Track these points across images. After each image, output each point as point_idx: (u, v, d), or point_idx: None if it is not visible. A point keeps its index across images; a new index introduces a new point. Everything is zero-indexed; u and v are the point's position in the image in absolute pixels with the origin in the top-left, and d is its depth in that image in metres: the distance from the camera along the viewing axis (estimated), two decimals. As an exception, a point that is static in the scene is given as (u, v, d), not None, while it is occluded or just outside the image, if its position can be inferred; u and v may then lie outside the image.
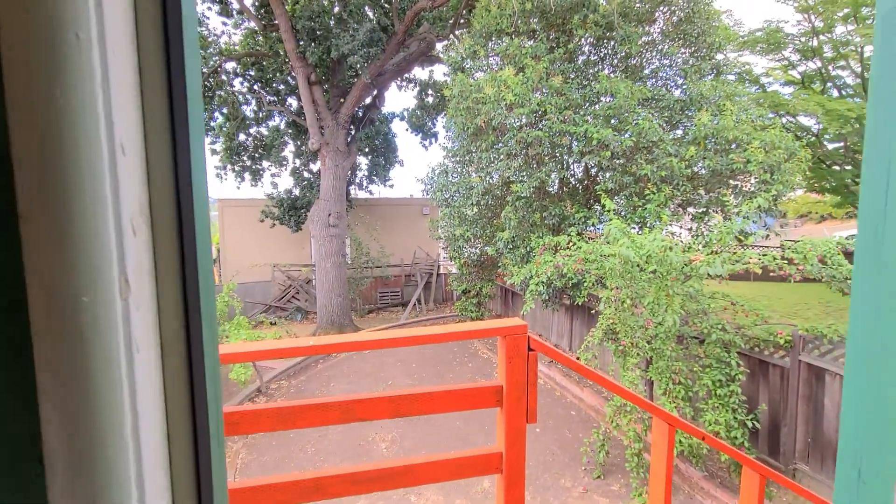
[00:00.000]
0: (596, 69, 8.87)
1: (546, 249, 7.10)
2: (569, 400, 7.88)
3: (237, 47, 14.75)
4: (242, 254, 16.64)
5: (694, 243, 5.60)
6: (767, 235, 7.51)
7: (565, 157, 8.30)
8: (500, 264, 11.10)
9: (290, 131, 15.94)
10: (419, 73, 17.87)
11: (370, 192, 18.17)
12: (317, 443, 6.81)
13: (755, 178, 6.93)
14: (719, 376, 4.87)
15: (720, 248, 5.72)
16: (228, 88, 15.12)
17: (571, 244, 6.62)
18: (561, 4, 8.30)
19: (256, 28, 13.72)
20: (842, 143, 13.06)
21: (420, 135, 18.53)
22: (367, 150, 17.25)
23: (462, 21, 12.00)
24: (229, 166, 15.91)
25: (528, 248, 8.18)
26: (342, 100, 13.48)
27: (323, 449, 6.64)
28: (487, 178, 9.34)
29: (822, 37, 12.14)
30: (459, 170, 10.15)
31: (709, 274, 4.35)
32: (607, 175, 7.82)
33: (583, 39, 8.60)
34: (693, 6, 8.05)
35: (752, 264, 4.65)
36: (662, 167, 6.87)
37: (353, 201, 17.01)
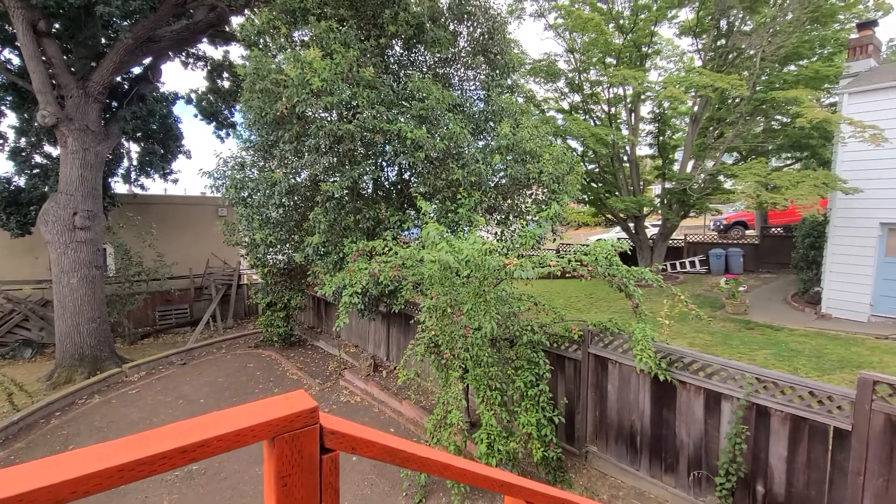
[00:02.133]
0: (408, 71, 8.70)
1: (360, 255, 6.48)
2: (388, 416, 7.42)
3: None
4: (-82, 269, 11.37)
5: (502, 247, 5.73)
6: (555, 240, 8.47)
7: (378, 156, 7.86)
8: (310, 272, 10.03)
9: (8, 98, 11.55)
10: (212, 51, 15.24)
11: (143, 188, 14.62)
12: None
13: (545, 187, 7.69)
14: (530, 377, 5.04)
15: (525, 252, 6.03)
16: None
17: (388, 249, 6.17)
18: (372, -4, 7.85)
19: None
20: (597, 165, 16.12)
21: (214, 123, 15.85)
22: (137, 134, 13.80)
23: (261, -6, 10.51)
24: None
25: (340, 254, 7.43)
26: (94, 63, 10.35)
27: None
28: (293, 175, 8.23)
29: (582, 75, 14.74)
30: (260, 164, 8.73)
31: (521, 277, 4.38)
32: (420, 178, 7.67)
33: (395, 39, 8.33)
34: (492, 24, 8.57)
35: (553, 267, 4.92)
36: (472, 173, 7.02)
37: (117, 198, 13.39)
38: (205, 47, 14.80)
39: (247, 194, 8.41)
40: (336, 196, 7.15)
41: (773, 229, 18.35)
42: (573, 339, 5.58)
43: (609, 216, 16.79)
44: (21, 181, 11.71)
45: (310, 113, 7.29)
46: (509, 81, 9.08)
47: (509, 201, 8.36)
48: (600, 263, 4.72)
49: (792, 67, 13.44)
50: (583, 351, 5.56)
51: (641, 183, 16.20)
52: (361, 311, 8.10)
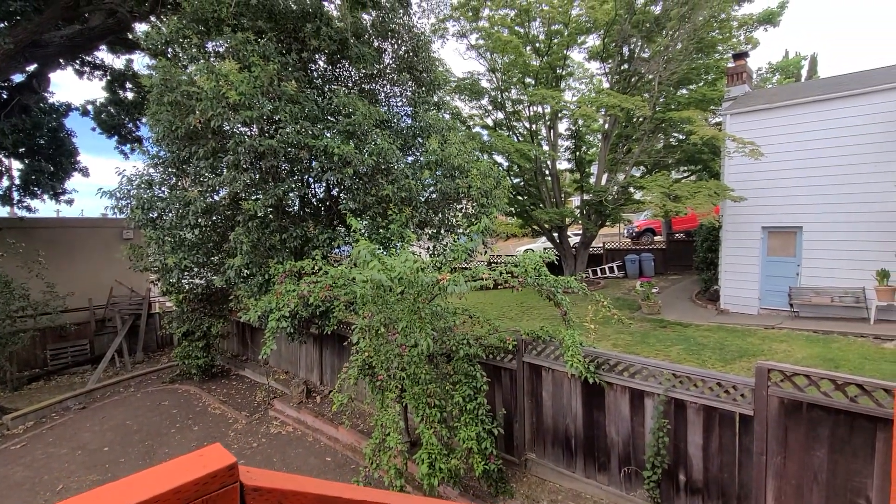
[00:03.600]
0: (333, 86, 8.56)
1: (288, 276, 6.17)
2: (323, 444, 7.06)
3: None
4: None
5: (434, 262, 5.76)
6: (486, 252, 8.68)
7: (304, 173, 7.60)
8: (232, 297, 9.36)
9: None
10: (112, 60, 13.89)
11: (29, 210, 12.88)
12: None
13: (475, 201, 7.87)
14: (468, 391, 5.05)
15: (458, 266, 6.10)
16: None
17: (318, 269, 5.93)
18: (291, 8, 7.65)
19: None
20: (522, 179, 16.85)
21: (116, 138, 14.48)
22: (20, 149, 12.19)
23: (169, 0, 9.82)
24: None
25: (265, 276, 7.03)
26: (-39, 70, 9.01)
27: None
28: (210, 194, 7.69)
29: (504, 94, 15.43)
30: (171, 181, 8.05)
31: (455, 291, 4.40)
32: (349, 195, 7.50)
33: (318, 54, 8.16)
34: (416, 42, 8.71)
35: (486, 280, 5.01)
36: (402, 188, 7.01)
37: (-6, 222, 11.68)
38: (104, 55, 13.54)
39: (156, 215, 7.71)
40: (259, 215, 6.78)
41: (677, 235, 20.30)
42: (508, 350, 5.70)
43: (535, 227, 17.57)
44: None
45: (227, 127, 6.88)
46: (436, 98, 9.25)
47: (440, 216, 8.45)
48: (530, 274, 4.89)
49: (684, 91, 15.10)
50: (518, 360, 5.69)
51: (563, 195, 17.18)
52: (291, 335, 7.69)
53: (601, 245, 20.26)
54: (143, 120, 13.94)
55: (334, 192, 8.59)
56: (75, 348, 12.66)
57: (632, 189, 15.08)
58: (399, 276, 4.26)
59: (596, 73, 16.32)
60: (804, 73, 28.59)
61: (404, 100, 9.01)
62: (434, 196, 7.92)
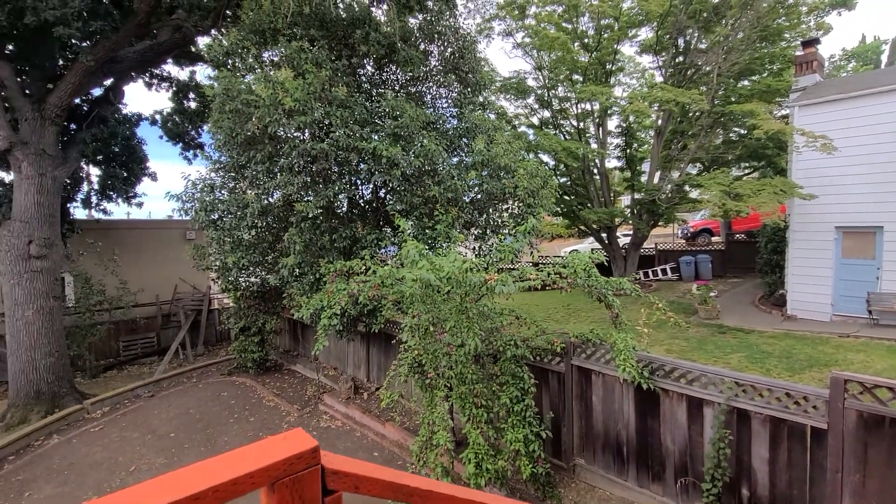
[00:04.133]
0: (381, 90, 8.74)
1: (338, 275, 6.36)
2: (370, 439, 7.21)
3: None
4: None
5: (481, 262, 5.73)
6: (532, 253, 8.55)
7: (353, 175, 7.80)
8: (285, 295, 9.77)
9: (-45, 122, 10.94)
10: (177, 72, 14.89)
11: (105, 213, 14.02)
12: None
13: (521, 201, 7.77)
14: (515, 392, 4.99)
15: (504, 266, 6.05)
16: None
17: (366, 269, 6.07)
18: (341, 16, 7.89)
19: None
20: (568, 178, 16.49)
21: (181, 145, 15.46)
22: (98, 157, 13.30)
23: (229, 14, 10.40)
24: None
25: (317, 275, 7.28)
26: (51, 86, 9.96)
27: None
28: (266, 196, 8.07)
29: (551, 91, 15.15)
30: (231, 185, 8.52)
31: (503, 291, 4.37)
32: (396, 196, 7.63)
33: (367, 59, 8.37)
34: (462, 43, 8.73)
35: (533, 280, 4.93)
36: (448, 189, 7.04)
37: (77, 224, 12.83)
38: (170, 68, 14.49)
39: (217, 216, 8.18)
40: (311, 216, 7.03)
41: (738, 235, 19.12)
42: (556, 352, 5.59)
43: (582, 227, 17.13)
44: (-30, 209, 11.03)
45: (282, 133, 7.21)
46: (481, 99, 9.23)
47: (485, 216, 8.42)
48: (579, 275, 4.77)
49: (746, 82, 14.19)
50: (566, 363, 5.56)
51: (612, 194, 16.65)
52: (340, 333, 7.91)
53: (653, 246, 19.44)
54: (205, 127, 14.82)
55: (381, 194, 8.77)
56: (144, 340, 13.66)
57: (687, 187, 14.37)
58: (447, 276, 4.28)
59: (648, 67, 15.70)
60: (884, 58, 26.12)
61: (450, 101, 9.06)
62: (479, 196, 7.90)
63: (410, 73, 8.23)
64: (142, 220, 16.12)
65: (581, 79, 14.71)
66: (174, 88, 14.58)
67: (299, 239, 7.02)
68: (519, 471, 4.86)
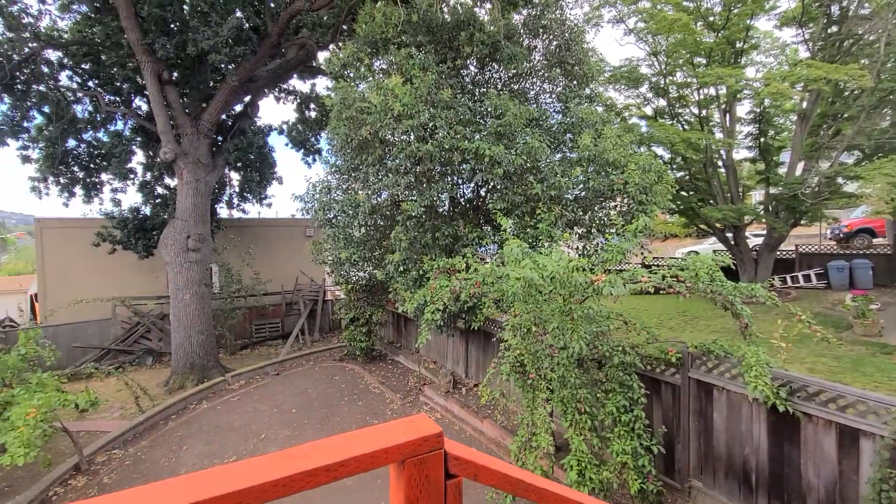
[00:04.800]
0: (483, 89, 8.79)
1: (441, 272, 6.54)
2: (468, 434, 7.31)
3: (66, 34, 12.06)
4: (71, 286, 13.41)
5: (587, 263, 5.47)
6: (643, 254, 7.93)
7: (454, 175, 7.96)
8: (390, 289, 10.33)
9: (137, 139, 13.45)
10: (300, 85, 16.61)
11: (244, 212, 16.16)
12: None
13: (632, 198, 7.25)
14: (623, 401, 4.68)
15: (612, 268, 5.70)
16: (52, 84, 12.25)
17: (467, 266, 6.16)
18: (446, 20, 8.08)
19: (91, 14, 11.35)
20: (687, 172, 14.98)
21: (302, 151, 17.16)
22: (238, 164, 15.35)
23: (345, 29, 11.27)
24: (52, 178, 12.80)
25: (420, 271, 7.57)
26: (204, 104, 11.71)
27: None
28: (375, 196, 8.61)
29: (667, 78, 13.89)
30: (344, 186, 9.25)
31: (611, 294, 4.12)
32: (496, 194, 7.60)
33: (470, 59, 8.47)
34: (569, 35, 8.40)
35: (645, 283, 4.57)
36: (552, 186, 6.84)
37: (222, 222, 14.93)
38: (294, 82, 16.16)
39: (333, 215, 8.91)
40: (415, 214, 7.32)
41: (910, 237, 15.71)
42: (670, 362, 5.12)
43: (703, 227, 15.47)
44: (147, 210, 13.47)
45: (390, 136, 7.62)
46: (587, 91, 8.81)
47: (590, 214, 8.03)
48: (701, 279, 4.31)
49: (926, 50, 11.58)
50: (682, 375, 5.07)
51: (740, 189, 14.77)
52: (440, 328, 8.15)
53: (792, 248, 16.86)
54: (323, 134, 16.32)
55: (482, 192, 8.83)
56: (271, 325, 15.46)
57: (841, 180, 12.19)
58: (551, 276, 4.16)
59: (790, 42, 13.60)
60: None
61: (554, 96, 8.79)
62: (584, 194, 7.55)
63: (514, 70, 8.15)
64: (271, 219, 18.21)
65: (704, 61, 13.25)
66: (298, 100, 16.23)
67: (404, 237, 7.36)
68: (625, 485, 4.55)
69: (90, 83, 12.66)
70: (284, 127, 16.57)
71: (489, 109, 7.44)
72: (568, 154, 8.13)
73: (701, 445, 5.03)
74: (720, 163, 14.15)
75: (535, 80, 8.94)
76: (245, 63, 10.71)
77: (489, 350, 8.28)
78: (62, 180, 13.01)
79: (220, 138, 13.03)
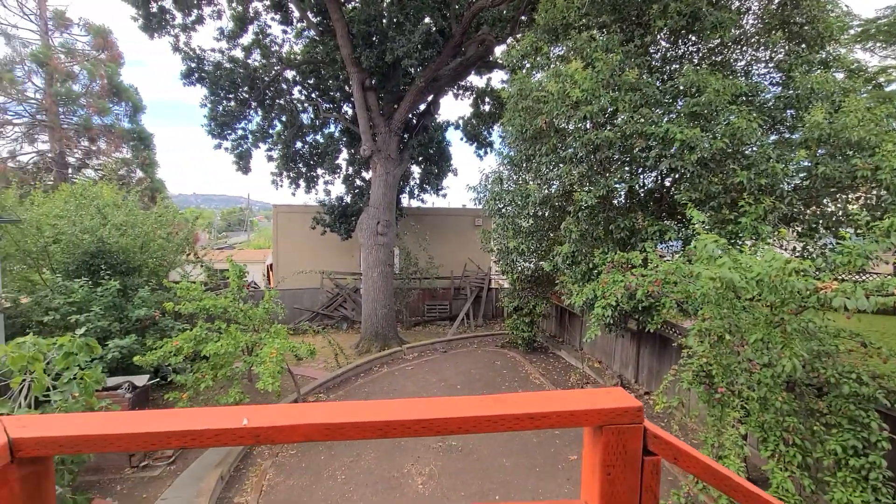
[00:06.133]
0: (674, 66, 7.86)
1: (614, 267, 6.16)
2: (636, 443, 6.79)
3: (298, 56, 14.96)
4: (294, 259, 16.74)
5: (809, 265, 4.49)
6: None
7: (634, 163, 7.34)
8: (557, 282, 10.16)
9: (343, 139, 15.93)
10: (476, 81, 17.35)
11: (422, 201, 17.78)
12: (348, 469, 6.22)
13: (886, 188, 5.62)
14: (853, 441, 3.73)
15: (845, 275, 4.57)
16: (288, 97, 15.37)
17: (645, 262, 5.67)
18: (637, -6, 7.43)
19: (316, 37, 13.81)
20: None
21: (475, 144, 17.98)
22: (419, 158, 16.91)
23: (523, 20, 11.33)
24: (285, 173, 16.11)
25: (590, 265, 7.26)
26: (396, 106, 13.20)
27: (353, 477, 6.03)
28: (546, 187, 8.53)
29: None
30: (515, 177, 9.40)
31: (845, 307, 3.29)
32: (686, 184, 6.74)
33: (660, 34, 7.65)
34: (799, -11, 6.87)
35: (902, 297, 3.52)
36: (761, 174, 5.76)
37: (404, 210, 16.68)
38: (471, 78, 16.96)
39: (502, 206, 9.15)
40: (588, 205, 7.02)
41: None
42: (936, 405, 3.87)
43: None
44: (348, 199, 15.91)
45: (564, 125, 7.42)
46: (822, 55, 7.12)
47: (815, 208, 6.53)
48: None
49: None
50: (955, 424, 3.79)
51: None
52: (609, 326, 7.69)
53: None
54: (495, 127, 16.81)
55: (667, 182, 7.97)
56: (441, 306, 16.75)
57: None
58: (757, 278, 3.53)
59: None
60: None
61: (772, 65, 7.34)
62: (809, 183, 6.16)
63: (719, 38, 7.07)
64: (444, 208, 19.60)
65: None
66: (474, 95, 17.00)
67: (575, 228, 7.14)
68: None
69: (313, 94, 15.47)
70: (460, 122, 17.57)
71: (682, 88, 6.62)
72: (787, 135, 6.73)
73: (983, 524, 3.70)
74: None
75: (744, 48, 7.60)
76: (431, 65, 11.68)
77: (665, 357, 7.51)
78: (291, 175, 16.27)
79: (405, 136, 14.55)
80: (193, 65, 13.37)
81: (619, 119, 6.81)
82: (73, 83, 20.86)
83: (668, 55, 8.01)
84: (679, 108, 6.71)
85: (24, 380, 4.95)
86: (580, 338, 10.99)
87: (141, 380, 6.96)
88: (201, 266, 13.17)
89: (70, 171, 21.69)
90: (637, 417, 0.89)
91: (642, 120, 6.40)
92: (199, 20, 13.00)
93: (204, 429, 0.74)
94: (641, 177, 7.90)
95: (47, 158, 21.47)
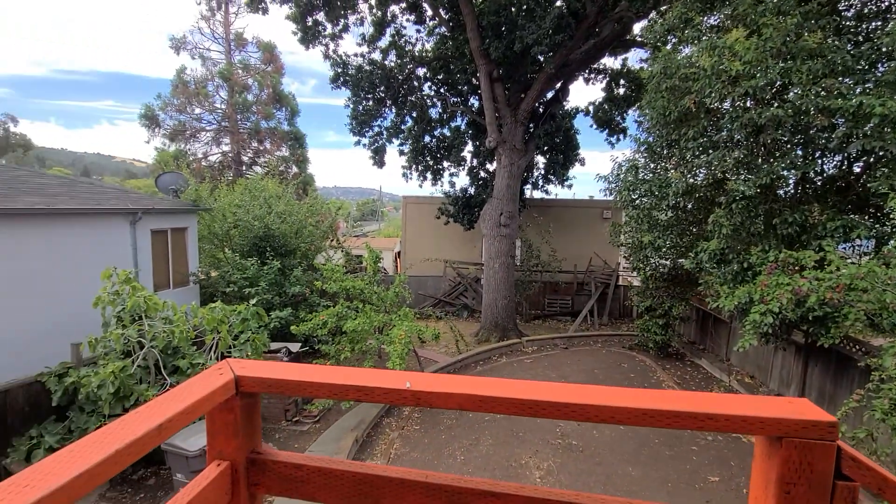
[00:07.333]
0: (875, 24, 6.37)
1: (777, 267, 5.28)
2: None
3: (429, 53, 15.63)
4: (420, 248, 17.70)
5: None
6: None
7: (810, 145, 6.13)
8: (700, 282, 9.07)
9: (469, 131, 16.23)
10: (609, 63, 16.19)
11: (546, 192, 17.31)
12: (467, 451, 6.42)
13: None
14: None
15: None
16: (419, 94, 16.19)
17: (821, 263, 4.75)
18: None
19: (447, 33, 14.26)
20: None
21: (606, 131, 16.88)
22: (545, 147, 16.45)
23: (669, -9, 10.19)
24: (414, 166, 17.05)
25: (744, 264, 6.32)
26: (522, 95, 13.01)
27: (471, 459, 6.21)
28: (691, 175, 7.63)
29: None
30: (653, 166, 8.59)
31: None
32: (888, 168, 5.41)
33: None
34: None
35: None
36: None
37: (527, 201, 16.45)
38: (604, 60, 15.89)
39: (637, 197, 8.45)
40: (746, 196, 6.09)
41: None
42: None
43: None
44: (472, 190, 16.23)
45: (717, 104, 6.52)
46: None
47: None
48: None
49: None
50: None
51: None
52: (767, 336, 6.62)
53: None
54: (630, 112, 15.54)
55: (856, 167, 6.54)
56: (562, 301, 16.21)
57: None
58: None
59: None
60: None
61: None
62: None
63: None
64: (570, 200, 18.83)
65: None
66: (607, 78, 15.93)
67: (727, 222, 6.27)
68: None
69: (441, 89, 16.04)
70: (591, 108, 16.63)
71: (886, 50, 5.32)
72: None
73: None
74: None
75: None
76: (561, 50, 11.23)
77: (844, 379, 6.24)
78: (420, 167, 17.16)
79: (531, 125, 14.27)
80: (340, 70, 14.85)
81: (791, 94, 5.77)
82: (247, 93, 24.89)
83: (867, 10, 6.50)
84: (879, 75, 5.43)
85: (214, 338, 6.11)
86: (727, 347, 9.68)
87: (295, 347, 8.07)
88: (341, 251, 14.72)
89: (244, 167, 25.98)
90: (829, 434, 0.76)
91: (824, 93, 5.32)
92: (345, 28, 14.37)
93: (376, 386, 0.81)
94: (819, 161, 6.61)
95: (228, 158, 26.04)
